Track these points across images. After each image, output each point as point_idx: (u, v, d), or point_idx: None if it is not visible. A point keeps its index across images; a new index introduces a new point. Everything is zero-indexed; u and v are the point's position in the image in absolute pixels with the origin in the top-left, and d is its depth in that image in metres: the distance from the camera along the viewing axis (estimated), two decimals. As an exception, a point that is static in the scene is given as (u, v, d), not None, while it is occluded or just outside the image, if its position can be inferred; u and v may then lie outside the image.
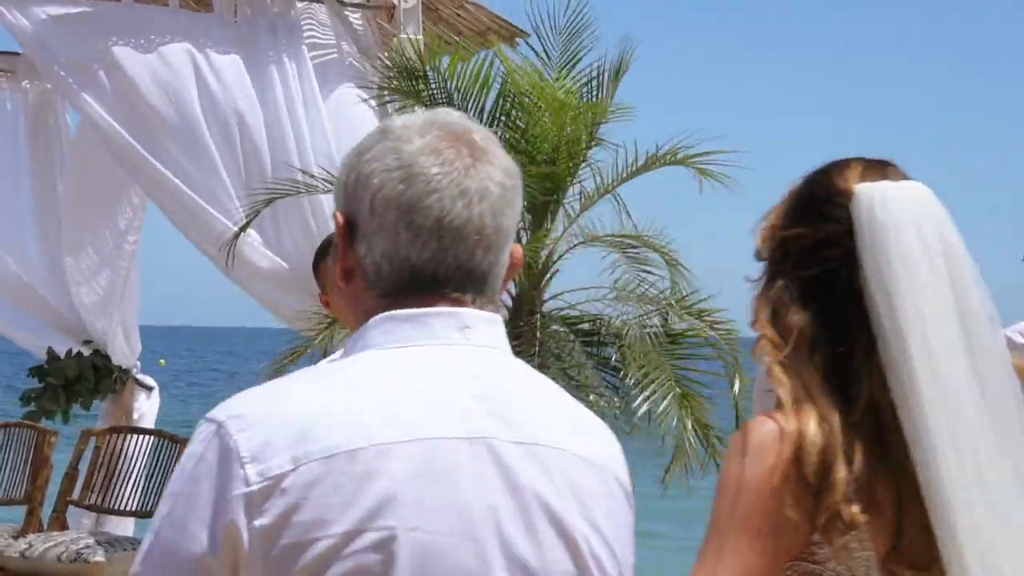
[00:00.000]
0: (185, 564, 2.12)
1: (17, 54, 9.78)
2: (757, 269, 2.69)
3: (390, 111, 8.21)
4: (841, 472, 2.45)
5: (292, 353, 8.07)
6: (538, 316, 7.76)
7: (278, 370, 8.41)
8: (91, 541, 7.95)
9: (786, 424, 2.49)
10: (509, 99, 7.90)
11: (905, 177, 2.63)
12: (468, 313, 2.28)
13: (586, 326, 7.85)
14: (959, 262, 2.57)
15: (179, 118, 7.79)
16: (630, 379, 7.41)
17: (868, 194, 2.57)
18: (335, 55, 8.21)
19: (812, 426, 2.47)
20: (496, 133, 7.49)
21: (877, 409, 2.51)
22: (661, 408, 7.31)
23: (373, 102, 8.03)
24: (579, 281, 8.04)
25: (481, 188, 2.27)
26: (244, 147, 7.89)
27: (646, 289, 7.82)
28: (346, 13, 8.21)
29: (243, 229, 7.68)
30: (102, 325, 10.18)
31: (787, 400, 2.51)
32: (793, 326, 2.56)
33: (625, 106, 7.90)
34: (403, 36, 8.11)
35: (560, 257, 8.00)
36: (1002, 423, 2.54)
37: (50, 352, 9.97)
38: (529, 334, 7.62)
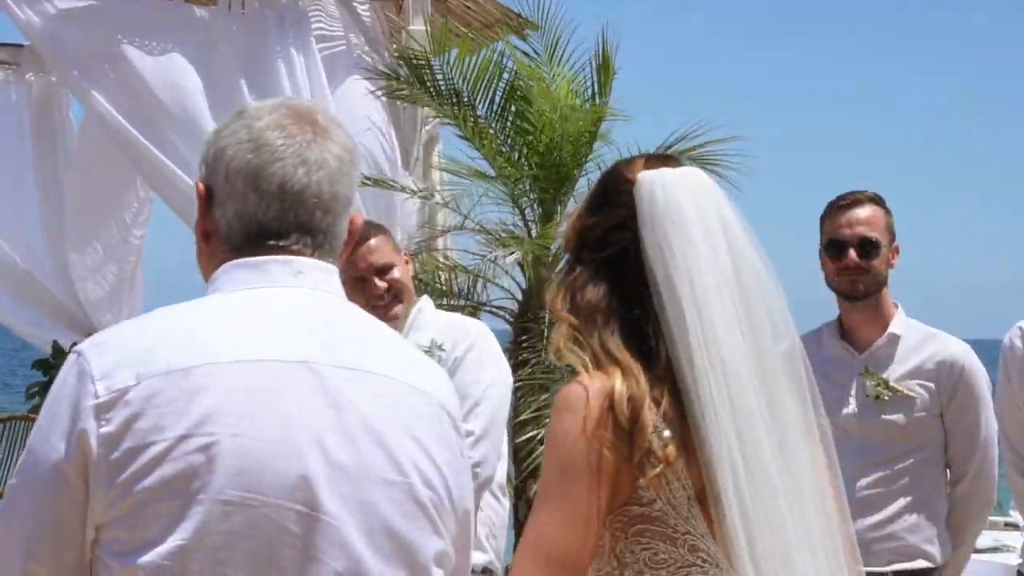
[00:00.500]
0: (46, 470, 2.50)
1: (21, 46, 9.77)
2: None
3: (399, 104, 8.20)
4: (649, 415, 2.78)
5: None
6: (547, 311, 7.72)
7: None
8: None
9: (591, 383, 2.81)
10: (517, 92, 7.88)
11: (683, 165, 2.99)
12: (303, 261, 2.64)
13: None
14: (738, 237, 2.88)
15: (184, 111, 7.77)
16: None
17: (649, 179, 2.91)
18: (343, 47, 8.18)
19: (618, 379, 2.80)
20: (504, 124, 7.43)
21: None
22: None
23: (381, 94, 7.99)
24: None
25: (320, 159, 2.64)
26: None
27: None
28: (354, 5, 8.18)
29: (249, 221, 7.64)
30: (109, 319, 10.16)
31: (587, 365, 2.85)
32: (588, 302, 2.89)
33: (621, 115, 7.88)
34: (411, 28, 8.11)
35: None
36: (775, 390, 2.88)
37: (55, 345, 9.95)
38: (537, 329, 7.59)
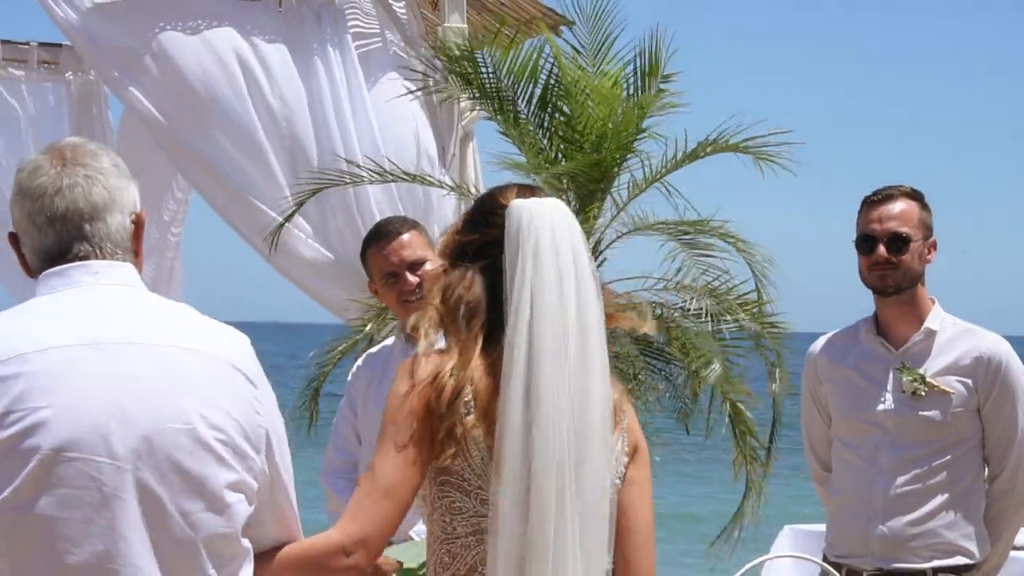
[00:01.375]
0: None
1: (60, 45, 9.81)
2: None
3: (435, 101, 8.21)
4: (464, 392, 3.51)
5: (344, 343, 8.09)
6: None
7: (323, 363, 8.42)
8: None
9: (427, 361, 3.55)
10: (557, 87, 7.87)
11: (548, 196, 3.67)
12: (96, 263, 3.33)
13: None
14: (584, 262, 3.54)
15: (224, 107, 7.78)
16: (674, 353, 7.42)
17: (517, 207, 3.57)
18: (379, 44, 8.18)
19: (449, 363, 3.52)
20: (544, 121, 7.40)
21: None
22: (703, 374, 7.30)
23: (418, 92, 8.00)
24: (635, 271, 8.05)
25: (70, 183, 3.32)
26: (290, 137, 7.88)
27: (698, 275, 7.78)
28: (390, 2, 8.18)
29: (287, 219, 7.68)
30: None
31: (431, 345, 3.56)
32: (464, 299, 3.57)
33: (671, 104, 7.85)
34: (446, 26, 8.11)
35: (608, 246, 7.96)
36: (592, 400, 3.51)
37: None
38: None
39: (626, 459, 3.70)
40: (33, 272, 3.37)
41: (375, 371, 5.83)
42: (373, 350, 6.05)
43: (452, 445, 3.52)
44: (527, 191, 3.66)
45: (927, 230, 5.66)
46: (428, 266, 5.45)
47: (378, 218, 7.98)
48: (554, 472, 3.46)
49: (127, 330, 3.26)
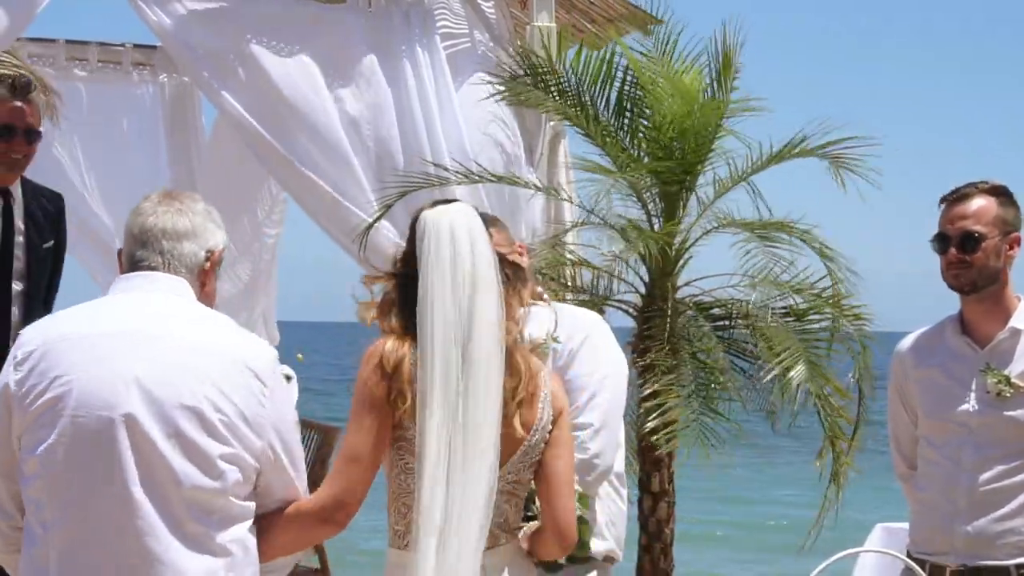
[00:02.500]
0: None
1: (154, 47, 9.91)
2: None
3: (518, 104, 8.25)
4: (407, 368, 4.30)
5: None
6: (670, 301, 7.74)
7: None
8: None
9: (376, 345, 4.36)
10: (635, 88, 7.91)
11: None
12: (154, 275, 4.32)
13: (717, 310, 7.84)
14: (485, 261, 4.31)
15: (312, 111, 7.82)
16: (762, 358, 7.43)
17: (423, 217, 4.36)
18: (468, 44, 8.21)
19: (389, 344, 4.35)
20: (623, 122, 7.42)
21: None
22: (790, 376, 7.30)
23: (502, 99, 8.05)
24: (716, 268, 8.06)
25: (164, 209, 4.37)
26: (374, 139, 7.92)
27: (779, 274, 7.79)
28: (479, 1, 8.21)
29: (375, 222, 7.72)
30: (243, 317, 10.31)
31: (382, 332, 4.40)
32: (391, 298, 4.43)
33: (748, 107, 7.86)
34: (535, 25, 8.14)
35: (693, 243, 7.98)
36: (476, 383, 4.25)
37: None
38: (660, 319, 7.61)
39: (551, 425, 4.43)
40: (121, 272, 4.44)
41: None
42: None
43: (403, 403, 4.30)
44: (442, 201, 4.48)
45: (1006, 226, 5.63)
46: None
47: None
48: (446, 433, 4.24)
49: (163, 325, 4.24)
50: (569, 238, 8.17)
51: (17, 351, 4.26)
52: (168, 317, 4.25)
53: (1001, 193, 5.66)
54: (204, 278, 4.39)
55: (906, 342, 5.89)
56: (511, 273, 4.60)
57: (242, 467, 4.20)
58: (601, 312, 7.39)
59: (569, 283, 7.96)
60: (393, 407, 4.32)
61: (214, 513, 4.18)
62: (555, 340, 5.46)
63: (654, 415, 7.20)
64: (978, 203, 5.61)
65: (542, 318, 5.45)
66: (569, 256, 8.03)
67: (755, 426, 7.94)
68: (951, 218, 5.62)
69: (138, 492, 4.11)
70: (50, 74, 9.85)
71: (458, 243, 4.29)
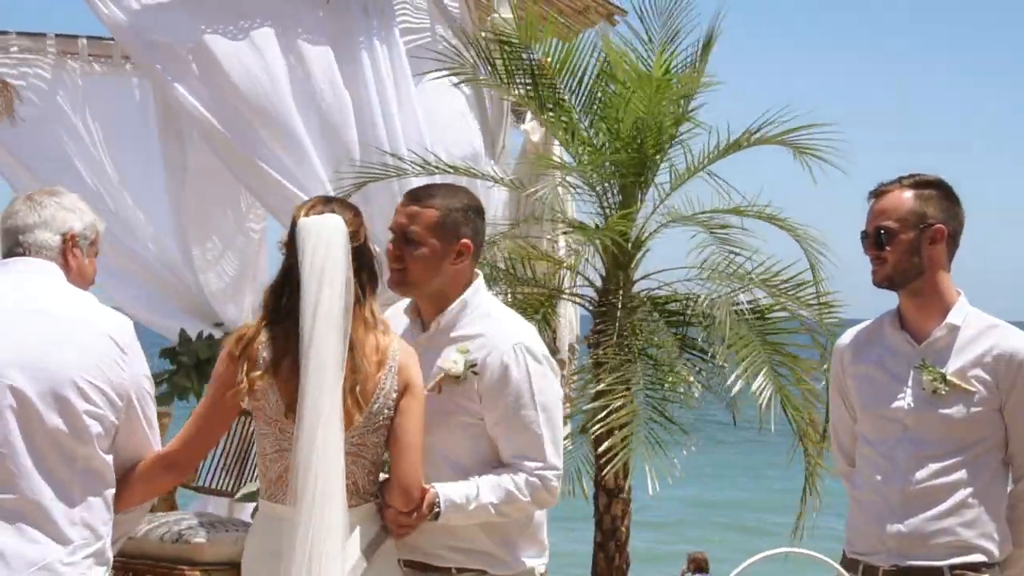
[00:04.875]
0: None
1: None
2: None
3: (487, 95, 8.19)
4: (256, 351, 5.09)
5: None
6: (620, 296, 7.67)
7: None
8: (194, 522, 8.03)
9: (238, 331, 5.18)
10: (601, 75, 7.84)
11: (333, 211, 5.18)
12: (25, 259, 5.16)
13: (673, 306, 7.74)
14: (337, 263, 5.06)
15: (268, 103, 7.78)
16: (720, 359, 7.31)
17: (303, 224, 5.08)
18: (428, 39, 8.15)
19: (244, 330, 5.16)
20: (588, 109, 7.33)
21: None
22: (754, 386, 7.17)
23: (460, 82, 7.98)
24: (680, 263, 7.94)
25: (18, 216, 5.20)
26: (333, 132, 7.89)
27: (736, 268, 7.67)
28: (442, -4, 8.16)
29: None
30: (232, 309, 10.32)
31: (248, 323, 5.25)
32: (270, 288, 5.18)
33: (712, 81, 7.75)
34: (496, 16, 8.07)
35: (649, 236, 7.90)
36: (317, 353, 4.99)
37: (182, 334, 10.11)
38: (611, 314, 7.53)
39: (395, 394, 5.11)
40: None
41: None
42: None
43: (248, 377, 5.05)
44: (320, 204, 5.20)
45: (923, 219, 5.50)
46: (420, 251, 5.41)
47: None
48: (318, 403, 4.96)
49: (32, 300, 5.03)
50: (526, 231, 8.10)
51: None
52: (39, 295, 5.08)
53: (924, 186, 5.54)
54: (66, 257, 5.22)
55: (846, 337, 5.79)
56: (364, 281, 5.22)
57: (103, 423, 4.98)
58: (555, 304, 7.34)
59: (525, 276, 7.90)
60: (238, 382, 5.09)
61: (77, 460, 4.96)
62: (474, 373, 5.35)
63: (600, 416, 7.12)
64: (893, 198, 5.51)
65: (472, 325, 5.42)
66: (531, 249, 7.96)
67: (716, 416, 7.84)
68: (869, 214, 5.55)
69: (17, 440, 4.89)
70: (41, 68, 9.95)
71: (324, 251, 5.04)
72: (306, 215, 5.11)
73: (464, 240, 5.41)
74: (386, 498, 5.20)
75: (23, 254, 5.17)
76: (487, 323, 5.41)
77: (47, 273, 5.15)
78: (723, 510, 28.70)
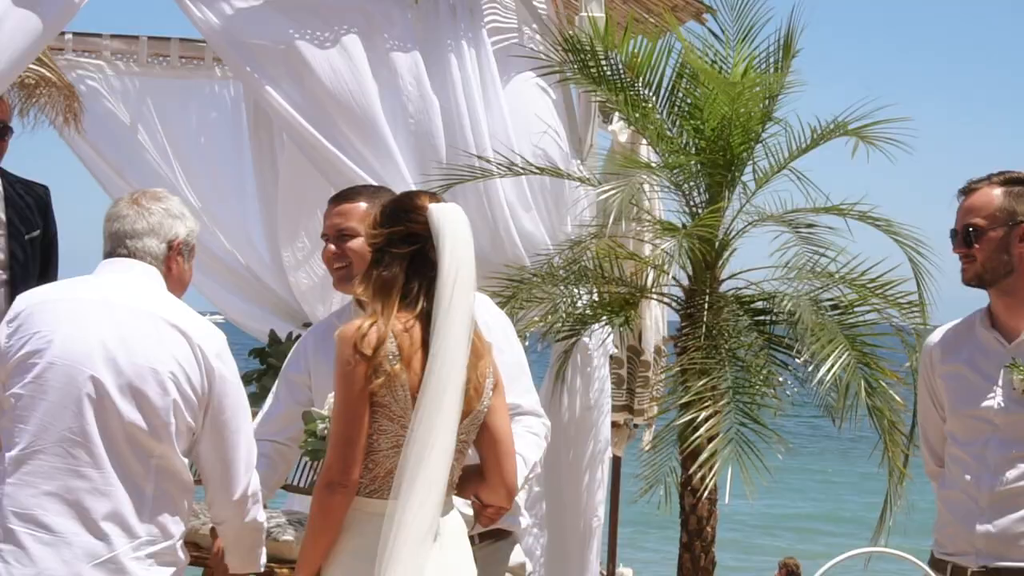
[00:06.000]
0: None
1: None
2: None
3: (574, 96, 8.19)
4: (386, 345, 4.85)
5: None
6: (707, 295, 7.65)
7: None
8: (282, 520, 8.03)
9: (353, 326, 4.89)
10: (685, 78, 7.82)
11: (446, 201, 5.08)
12: (126, 261, 5.29)
13: (759, 304, 7.71)
14: (470, 251, 4.93)
15: (355, 105, 7.81)
16: (805, 354, 7.28)
17: (440, 209, 4.95)
18: (516, 40, 8.16)
19: (366, 325, 4.88)
20: (672, 109, 7.32)
21: (429, 317, 4.88)
22: (830, 373, 7.13)
23: (548, 84, 8.00)
24: (764, 261, 7.92)
25: (126, 220, 5.32)
26: (420, 134, 7.92)
27: (825, 265, 7.63)
28: (530, -6, 8.18)
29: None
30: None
31: (368, 315, 4.95)
32: (388, 277, 4.96)
33: (798, 82, 7.73)
34: (585, 15, 8.07)
35: (735, 235, 7.88)
36: (453, 345, 4.84)
37: (272, 335, 10.15)
38: (699, 316, 7.52)
39: (491, 392, 5.05)
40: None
41: (318, 336, 6.27)
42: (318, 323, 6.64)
43: (381, 375, 4.83)
44: (434, 197, 5.09)
45: (1013, 216, 5.46)
46: (357, 242, 5.84)
47: (508, 213, 8.00)
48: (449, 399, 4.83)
49: (124, 295, 5.16)
50: (613, 230, 8.09)
51: (9, 313, 5.20)
52: (134, 295, 5.18)
53: (1014, 183, 5.50)
54: (169, 263, 5.34)
55: (935, 336, 5.76)
56: None
57: (179, 423, 5.08)
58: (639, 304, 7.33)
59: (612, 276, 7.91)
60: (370, 375, 4.86)
61: (153, 458, 5.06)
62: None
63: (689, 427, 7.12)
64: (982, 196, 5.48)
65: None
66: (618, 249, 7.97)
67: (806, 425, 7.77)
68: (958, 212, 5.51)
69: (92, 431, 4.99)
70: (134, 71, 10.06)
71: (468, 244, 4.94)
72: (431, 202, 5.00)
73: None
74: (486, 497, 5.22)
75: (127, 256, 5.28)
76: None
77: (148, 276, 5.26)
78: (804, 515, 28.55)
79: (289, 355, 6.41)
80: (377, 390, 4.87)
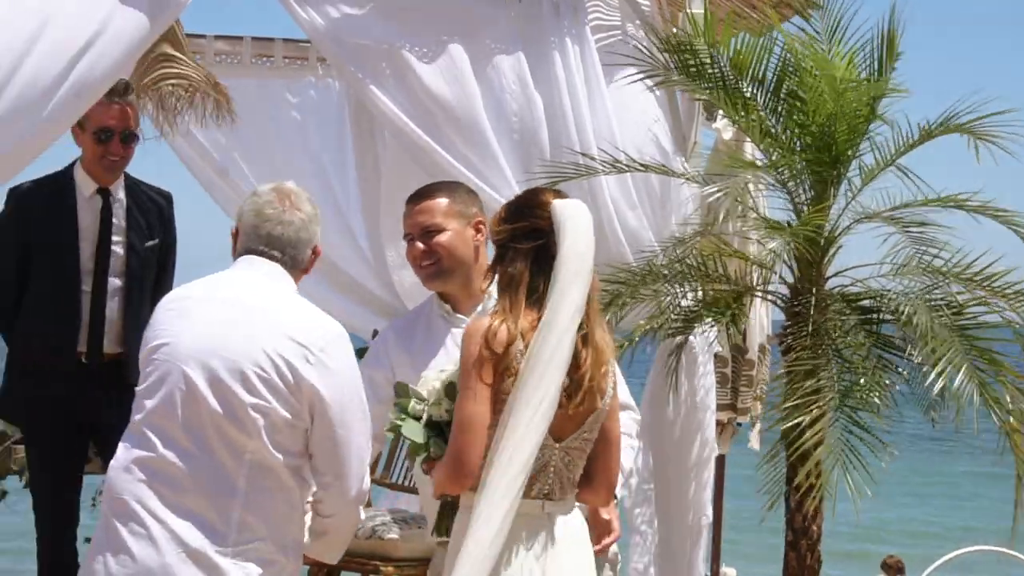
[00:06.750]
0: None
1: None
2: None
3: (678, 93, 8.14)
4: (515, 344, 4.91)
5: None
6: (812, 293, 7.57)
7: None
8: (387, 519, 8.08)
9: (484, 323, 4.97)
10: (788, 71, 7.75)
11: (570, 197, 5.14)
12: (259, 259, 5.42)
13: (866, 303, 7.62)
14: (590, 246, 4.98)
15: (458, 104, 7.83)
16: (916, 357, 7.16)
17: (563, 205, 5.03)
18: (620, 37, 8.13)
19: (496, 323, 4.95)
20: (777, 106, 7.25)
21: None
22: (956, 384, 6.99)
23: (652, 84, 7.95)
24: (870, 259, 7.81)
25: (278, 225, 5.44)
26: (523, 131, 7.91)
27: (930, 261, 7.50)
28: (634, -9, 8.13)
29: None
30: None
31: (495, 312, 5.00)
32: (510, 274, 5.03)
33: (900, 90, 7.63)
34: (688, 12, 8.02)
35: (841, 232, 7.79)
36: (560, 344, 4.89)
37: (375, 334, 10.17)
38: (804, 315, 7.44)
39: (612, 392, 5.10)
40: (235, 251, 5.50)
41: (398, 331, 6.31)
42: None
43: (510, 376, 4.89)
44: (559, 194, 5.16)
45: None
46: (445, 236, 5.98)
47: (612, 210, 7.96)
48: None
49: (250, 295, 5.29)
50: (718, 228, 8.04)
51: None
52: (257, 291, 5.32)
53: None
54: (308, 267, 5.54)
55: None
56: None
57: (270, 417, 5.15)
58: (745, 303, 7.25)
59: (717, 274, 7.84)
60: (502, 372, 4.93)
61: (246, 453, 5.16)
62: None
63: (799, 410, 7.03)
64: None
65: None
66: (723, 247, 7.91)
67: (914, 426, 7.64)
68: None
69: (188, 424, 5.15)
70: (237, 71, 10.10)
71: (588, 240, 4.99)
72: (555, 198, 5.06)
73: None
74: (587, 497, 5.26)
75: (273, 259, 5.39)
76: None
77: (279, 277, 5.38)
78: (912, 518, 28.24)
79: (367, 353, 6.41)
80: (504, 387, 4.91)
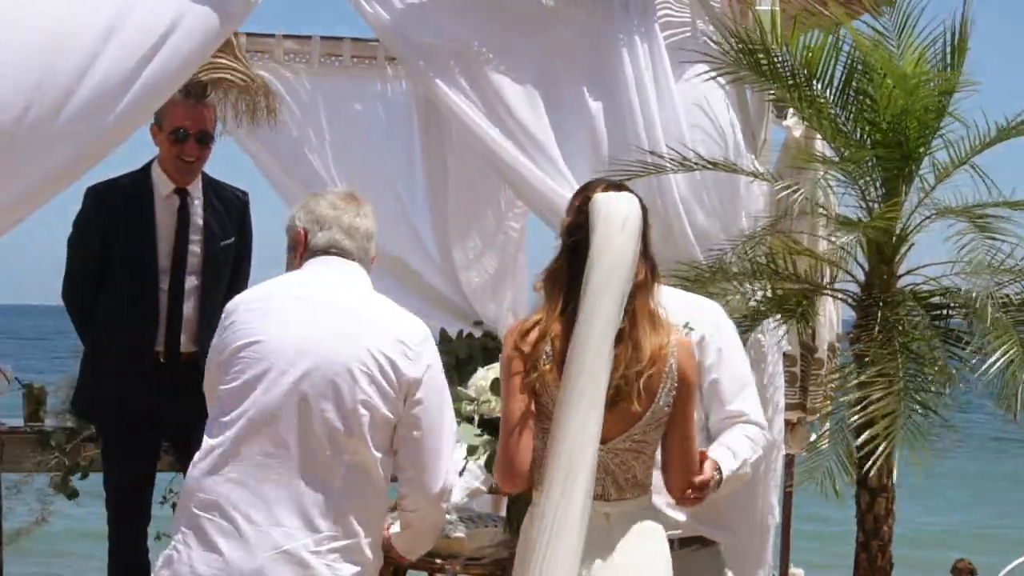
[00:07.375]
0: None
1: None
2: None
3: (747, 90, 8.10)
4: (543, 344, 4.95)
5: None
6: (884, 291, 7.51)
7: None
8: (454, 517, 8.06)
9: (519, 322, 5.08)
10: (856, 68, 7.70)
11: (630, 191, 5.10)
12: (337, 259, 5.52)
13: (937, 300, 7.56)
14: (626, 240, 4.89)
15: (526, 100, 7.82)
16: (973, 345, 7.13)
17: (599, 199, 4.97)
18: (689, 34, 8.10)
19: (531, 321, 5.01)
20: (846, 103, 7.22)
21: None
22: (1007, 369, 6.98)
23: (724, 81, 7.91)
24: (941, 257, 7.76)
25: (356, 219, 5.56)
26: (590, 128, 7.90)
27: (1002, 260, 7.44)
28: (704, -12, 8.09)
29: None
30: (492, 309, 10.40)
31: (537, 310, 5.05)
32: (553, 269, 5.03)
33: (970, 81, 7.56)
34: (759, 8, 7.97)
35: (913, 230, 7.73)
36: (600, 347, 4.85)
37: (442, 333, 10.19)
38: (874, 309, 7.39)
39: (675, 390, 5.01)
40: (303, 252, 5.57)
41: None
42: None
43: (535, 372, 4.93)
44: (612, 187, 5.08)
45: None
46: None
47: (681, 209, 7.93)
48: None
49: (334, 294, 5.36)
50: (788, 226, 8.00)
51: (224, 312, 5.47)
52: (337, 290, 5.38)
53: None
54: (369, 267, 5.55)
55: None
56: (650, 266, 5.10)
57: (374, 416, 5.19)
58: (815, 300, 7.20)
59: (787, 272, 7.80)
60: (529, 368, 4.96)
61: (345, 452, 5.16)
62: (688, 327, 5.60)
63: (860, 407, 7.00)
64: None
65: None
66: (793, 244, 7.86)
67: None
68: None
69: (286, 425, 5.14)
70: (306, 71, 10.14)
71: (623, 234, 4.90)
72: (602, 192, 5.02)
73: None
74: (669, 482, 5.25)
75: (350, 257, 5.50)
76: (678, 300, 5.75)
77: (357, 275, 5.48)
78: (980, 523, 27.99)
79: None
80: (533, 385, 4.96)
